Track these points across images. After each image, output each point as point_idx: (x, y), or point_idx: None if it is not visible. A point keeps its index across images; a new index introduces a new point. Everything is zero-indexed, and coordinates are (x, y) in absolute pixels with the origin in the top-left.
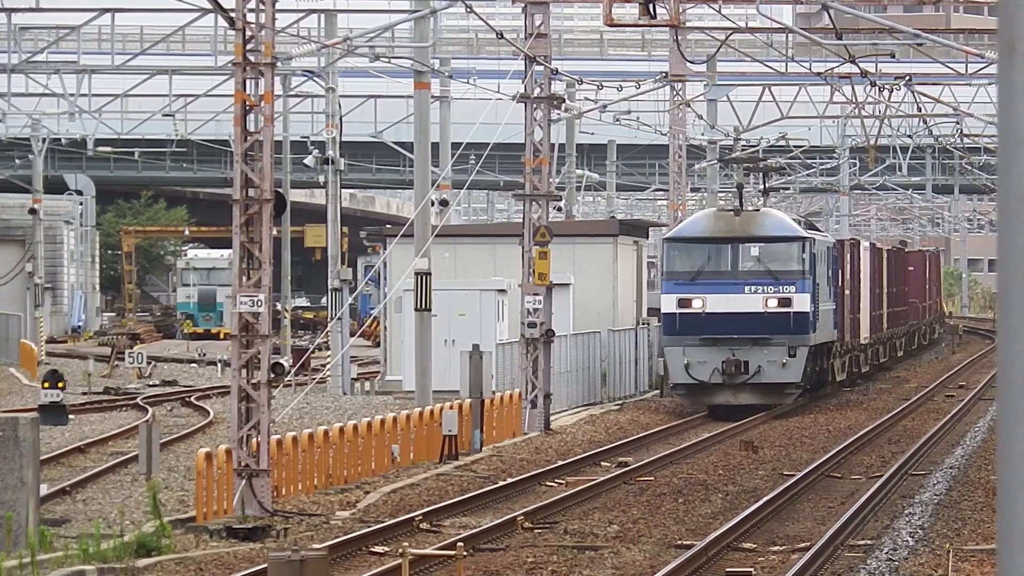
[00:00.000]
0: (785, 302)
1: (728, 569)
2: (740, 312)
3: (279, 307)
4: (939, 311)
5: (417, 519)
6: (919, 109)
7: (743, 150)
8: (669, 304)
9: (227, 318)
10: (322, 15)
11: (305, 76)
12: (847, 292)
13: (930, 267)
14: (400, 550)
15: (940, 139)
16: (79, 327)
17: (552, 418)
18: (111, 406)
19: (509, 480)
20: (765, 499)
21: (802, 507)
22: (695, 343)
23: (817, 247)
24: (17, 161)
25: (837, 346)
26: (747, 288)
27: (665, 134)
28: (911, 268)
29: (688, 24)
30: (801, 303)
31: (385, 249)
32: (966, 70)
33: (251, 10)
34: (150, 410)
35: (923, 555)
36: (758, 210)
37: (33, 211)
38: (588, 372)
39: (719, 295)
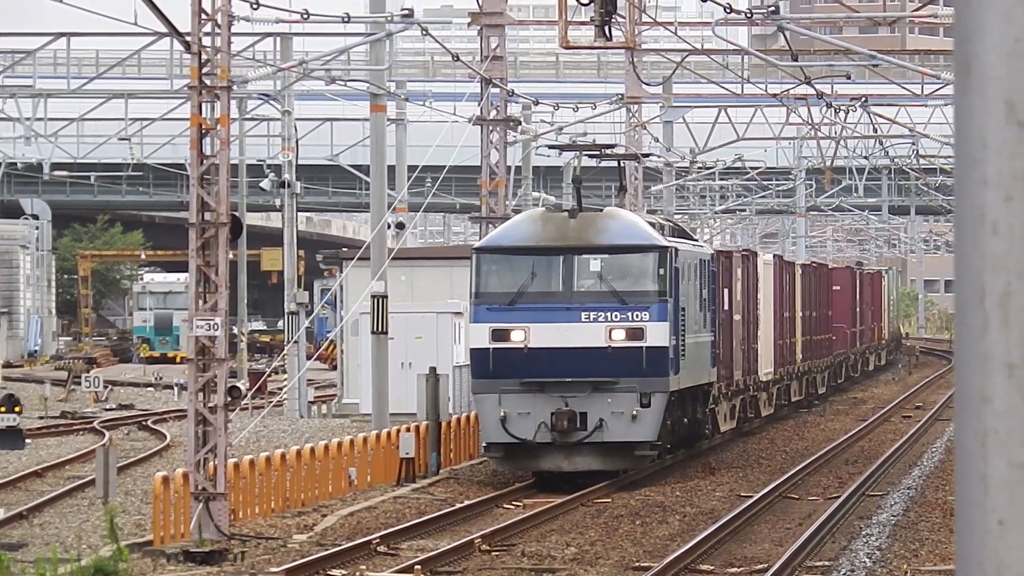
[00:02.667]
0: (636, 333)
1: None
2: (575, 347)
3: (235, 330)
4: (880, 338)
5: (375, 542)
6: (875, 130)
7: (699, 172)
8: (480, 337)
9: (183, 342)
10: (278, 38)
11: (261, 99)
12: (736, 318)
13: (863, 287)
14: (358, 573)
15: (896, 160)
16: (35, 351)
17: None
18: (68, 430)
19: (467, 502)
20: (722, 520)
21: (760, 528)
22: (514, 389)
23: (683, 259)
24: None
25: (720, 387)
26: (584, 315)
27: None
28: (837, 288)
29: (643, 46)
30: (657, 334)
31: (341, 272)
32: (922, 91)
33: (207, 34)
34: (107, 434)
35: None
36: (601, 210)
37: None
38: None
39: (546, 324)
